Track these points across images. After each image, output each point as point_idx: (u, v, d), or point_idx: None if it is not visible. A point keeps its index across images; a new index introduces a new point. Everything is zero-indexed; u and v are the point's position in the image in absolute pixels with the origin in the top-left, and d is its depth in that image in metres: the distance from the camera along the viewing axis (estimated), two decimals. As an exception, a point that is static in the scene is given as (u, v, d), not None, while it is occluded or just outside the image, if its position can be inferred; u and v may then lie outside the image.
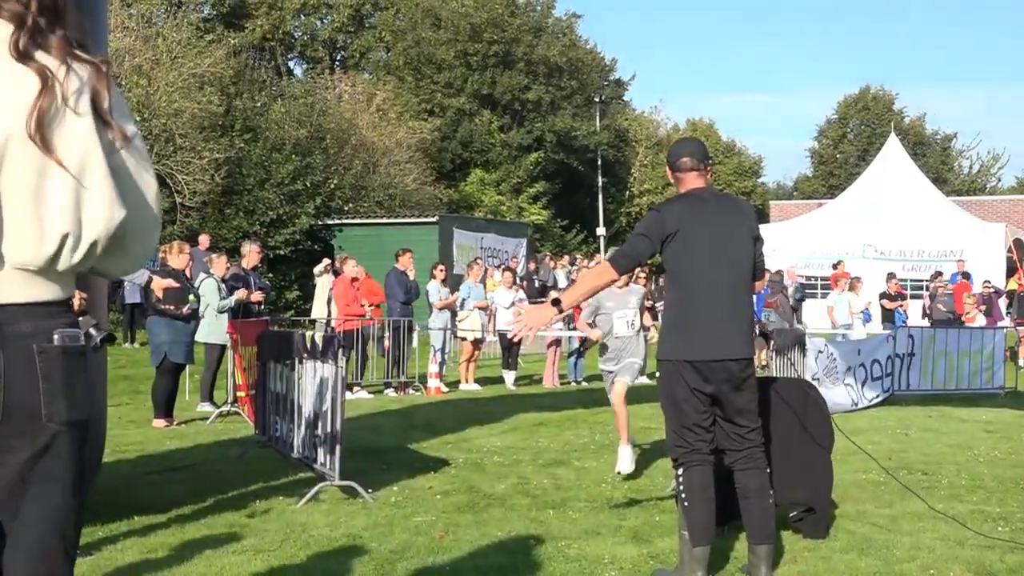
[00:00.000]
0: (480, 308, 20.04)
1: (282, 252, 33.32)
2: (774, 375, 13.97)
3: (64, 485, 2.78)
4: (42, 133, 2.61)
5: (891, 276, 28.56)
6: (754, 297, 6.72)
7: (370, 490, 8.91)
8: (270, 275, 32.36)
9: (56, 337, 2.75)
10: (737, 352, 6.25)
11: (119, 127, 2.78)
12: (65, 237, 2.68)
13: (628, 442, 10.17)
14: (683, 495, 6.33)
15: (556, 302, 6.67)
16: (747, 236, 6.43)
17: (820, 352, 15.03)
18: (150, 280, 14.16)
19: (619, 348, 10.55)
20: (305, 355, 9.52)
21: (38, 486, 2.74)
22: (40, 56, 2.66)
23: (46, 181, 2.65)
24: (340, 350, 8.87)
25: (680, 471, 6.36)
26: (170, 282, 13.98)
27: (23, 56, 2.63)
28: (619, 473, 9.98)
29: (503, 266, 25.35)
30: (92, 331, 5.73)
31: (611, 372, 10.62)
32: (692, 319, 6.27)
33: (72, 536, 2.83)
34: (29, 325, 2.70)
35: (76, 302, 6.25)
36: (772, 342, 14.91)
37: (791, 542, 7.32)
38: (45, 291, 2.76)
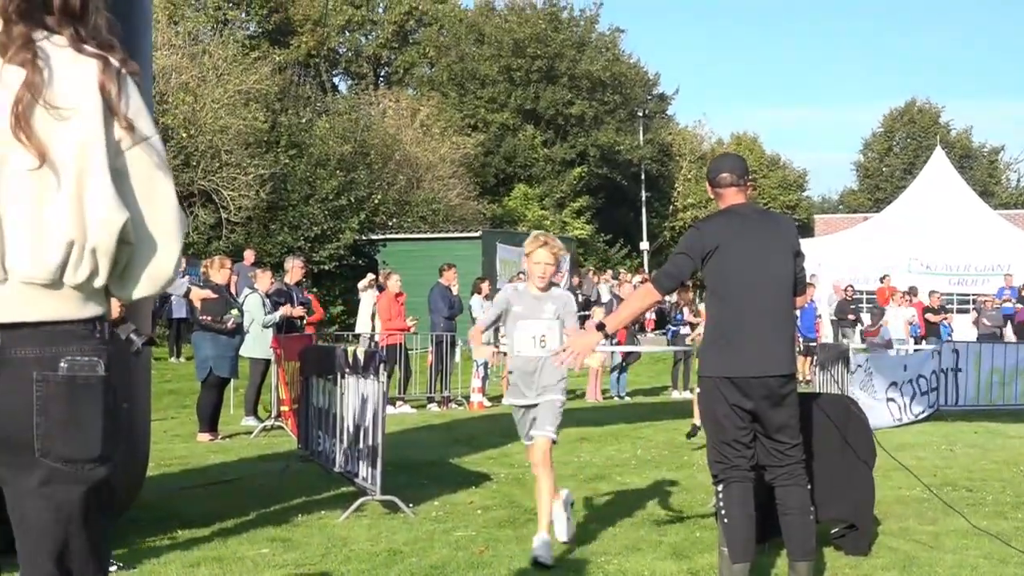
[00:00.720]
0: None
1: (326, 267, 33.50)
2: (817, 390, 13.89)
3: (57, 542, 2.53)
4: (27, 130, 2.43)
5: (933, 291, 28.35)
6: (797, 312, 6.67)
7: (411, 505, 8.94)
8: (314, 289, 32.56)
9: (63, 365, 2.49)
10: (777, 368, 6.22)
11: (130, 124, 2.57)
12: (71, 244, 2.48)
13: (561, 510, 7.61)
14: (723, 511, 6.31)
15: (600, 326, 6.66)
16: (787, 251, 6.40)
17: (860, 367, 14.94)
18: (189, 291, 14.29)
19: (525, 373, 7.45)
20: (347, 370, 9.57)
21: (29, 538, 2.53)
22: (28, 52, 2.47)
23: (44, 183, 2.47)
24: (381, 365, 8.92)
25: (720, 487, 6.34)
26: (208, 292, 14.10)
27: (7, 52, 2.46)
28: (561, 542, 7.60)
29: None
30: (132, 336, 5.70)
31: (521, 411, 7.64)
32: (732, 335, 6.25)
33: None
34: (33, 350, 2.46)
35: (115, 310, 6.30)
36: (816, 357, 14.81)
37: (832, 559, 7.28)
38: (57, 310, 2.50)
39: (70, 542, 2.53)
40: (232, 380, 15.00)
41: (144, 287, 2.69)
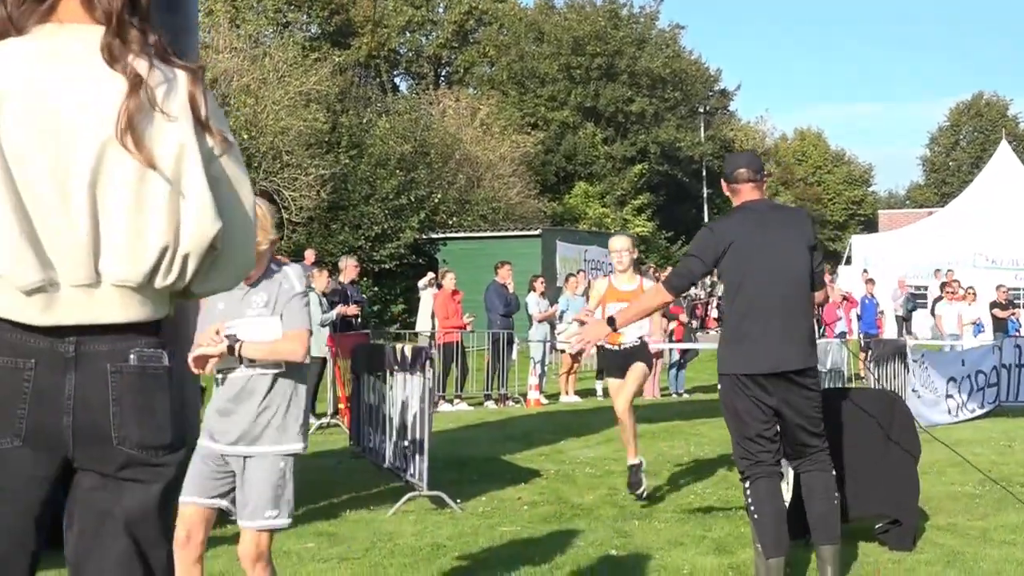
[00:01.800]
0: (579, 320, 20.06)
1: (387, 266, 33.71)
2: (872, 386, 13.78)
3: (140, 532, 2.64)
4: (134, 137, 2.49)
5: (1000, 285, 27.96)
6: (815, 307, 6.66)
7: (459, 500, 9.01)
8: (375, 288, 32.76)
9: (133, 357, 2.60)
10: (794, 363, 6.23)
11: (219, 132, 2.67)
12: (164, 250, 2.56)
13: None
14: (752, 508, 6.33)
15: (611, 320, 6.88)
16: (802, 246, 6.39)
17: (915, 362, 14.80)
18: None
19: (225, 400, 5.11)
20: (395, 367, 9.67)
21: (101, 526, 2.63)
22: (131, 60, 2.54)
23: (144, 189, 2.53)
24: (428, 362, 9.00)
25: (747, 484, 6.36)
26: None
27: (114, 59, 2.52)
28: None
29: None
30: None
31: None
32: (748, 332, 6.28)
33: None
34: (106, 345, 2.56)
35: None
36: (870, 351, 14.69)
37: (876, 554, 7.25)
38: (142, 311, 2.61)
39: (142, 527, 2.63)
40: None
41: (222, 283, 2.81)
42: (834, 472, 6.47)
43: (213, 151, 2.65)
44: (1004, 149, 40.93)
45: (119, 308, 2.56)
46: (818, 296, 6.67)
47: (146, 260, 2.53)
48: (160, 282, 2.58)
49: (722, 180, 6.68)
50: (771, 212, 6.57)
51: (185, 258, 2.58)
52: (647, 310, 7.07)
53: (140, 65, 2.53)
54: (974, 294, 25.86)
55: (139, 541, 2.62)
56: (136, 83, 2.50)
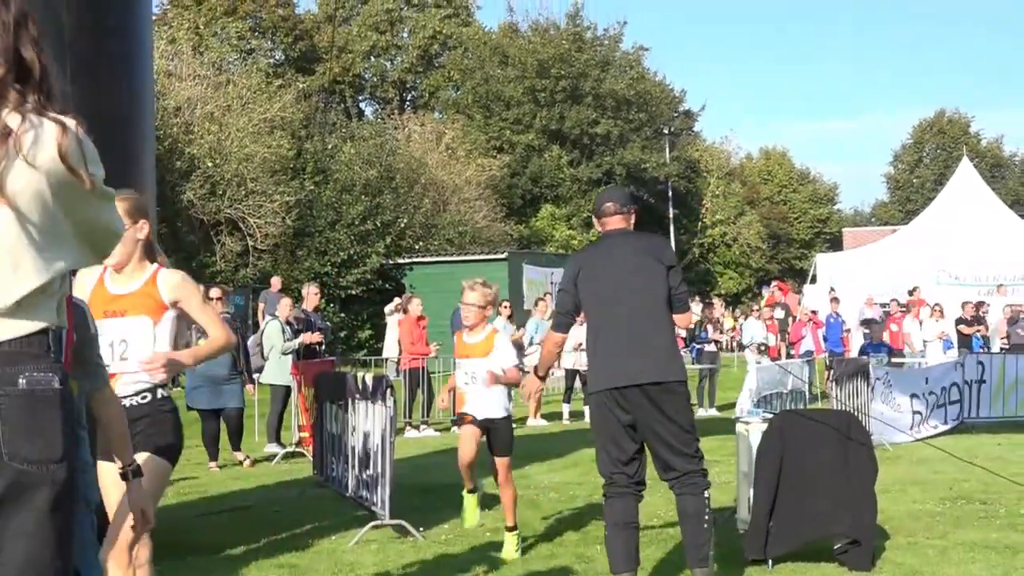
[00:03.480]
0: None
1: (354, 292, 33.66)
2: (835, 406, 13.85)
3: (36, 542, 2.72)
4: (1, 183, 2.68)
5: (966, 301, 28.14)
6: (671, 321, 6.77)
7: (421, 528, 9.00)
8: (342, 314, 32.69)
9: (22, 381, 2.73)
10: (642, 377, 6.38)
11: (90, 177, 2.82)
12: (33, 288, 2.75)
13: None
14: (606, 525, 6.58)
15: (536, 370, 7.37)
16: (653, 267, 6.59)
17: (878, 379, 14.89)
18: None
19: None
20: (357, 395, 9.66)
21: (6, 546, 2.70)
22: (3, 114, 2.72)
23: (9, 229, 2.72)
24: (388, 390, 8.99)
25: (605, 500, 6.60)
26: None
27: None
28: None
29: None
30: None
31: None
32: (600, 351, 6.56)
33: None
34: None
35: None
36: (832, 371, 14.78)
37: (836, 574, 7.28)
38: (9, 330, 2.76)
39: (35, 544, 2.72)
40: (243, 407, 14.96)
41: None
42: (707, 494, 6.55)
43: (82, 194, 2.81)
44: (965, 166, 41.21)
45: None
46: (681, 321, 6.79)
47: (16, 291, 2.72)
48: (25, 306, 2.75)
49: (593, 216, 7.00)
50: (624, 237, 6.79)
51: (47, 288, 2.78)
52: (549, 355, 7.32)
53: (12, 119, 2.71)
54: (940, 310, 26.02)
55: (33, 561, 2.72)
56: (4, 134, 2.69)
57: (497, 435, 8.33)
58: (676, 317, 6.68)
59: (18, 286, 2.74)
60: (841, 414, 8.70)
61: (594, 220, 7.01)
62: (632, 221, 6.86)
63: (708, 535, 6.48)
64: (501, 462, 8.38)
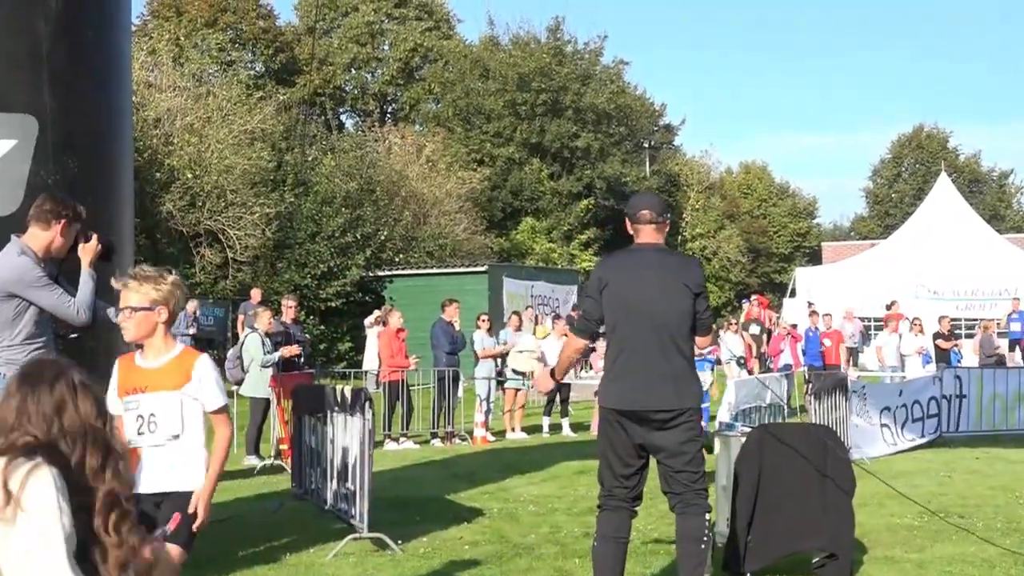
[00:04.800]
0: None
1: (333, 304, 33.58)
2: (813, 420, 13.89)
3: None
4: None
5: (943, 316, 28.29)
6: (694, 349, 6.75)
7: (399, 541, 8.97)
8: (322, 327, 32.62)
9: None
10: (656, 404, 6.36)
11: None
12: None
13: None
14: (595, 536, 6.56)
15: (553, 372, 7.16)
16: (680, 290, 6.50)
17: (854, 393, 14.95)
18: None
19: None
20: (335, 408, 9.64)
21: None
22: None
23: None
24: (367, 403, 8.98)
25: (598, 512, 6.59)
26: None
27: None
28: None
29: (555, 315, 25.39)
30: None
31: None
32: (619, 370, 6.51)
33: None
34: None
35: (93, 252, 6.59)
36: (811, 385, 14.82)
37: (814, 589, 7.30)
38: None
39: None
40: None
41: None
42: (707, 515, 6.52)
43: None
44: (944, 181, 41.53)
45: None
46: (702, 342, 6.77)
47: None
48: None
49: (626, 218, 6.82)
50: (656, 255, 6.67)
51: None
52: (568, 359, 7.16)
53: None
54: (920, 325, 26.14)
55: None
56: None
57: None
58: (698, 339, 6.67)
59: None
60: (819, 428, 8.74)
61: (627, 223, 6.83)
62: (665, 232, 6.80)
63: (704, 556, 6.46)
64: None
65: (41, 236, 6.39)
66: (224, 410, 5.54)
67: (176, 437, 5.34)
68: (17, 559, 2.86)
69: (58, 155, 7.18)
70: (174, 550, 5.25)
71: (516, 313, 22.42)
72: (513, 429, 19.47)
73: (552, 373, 7.16)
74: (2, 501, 2.89)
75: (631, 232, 6.81)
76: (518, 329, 21.22)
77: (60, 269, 6.59)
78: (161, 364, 5.40)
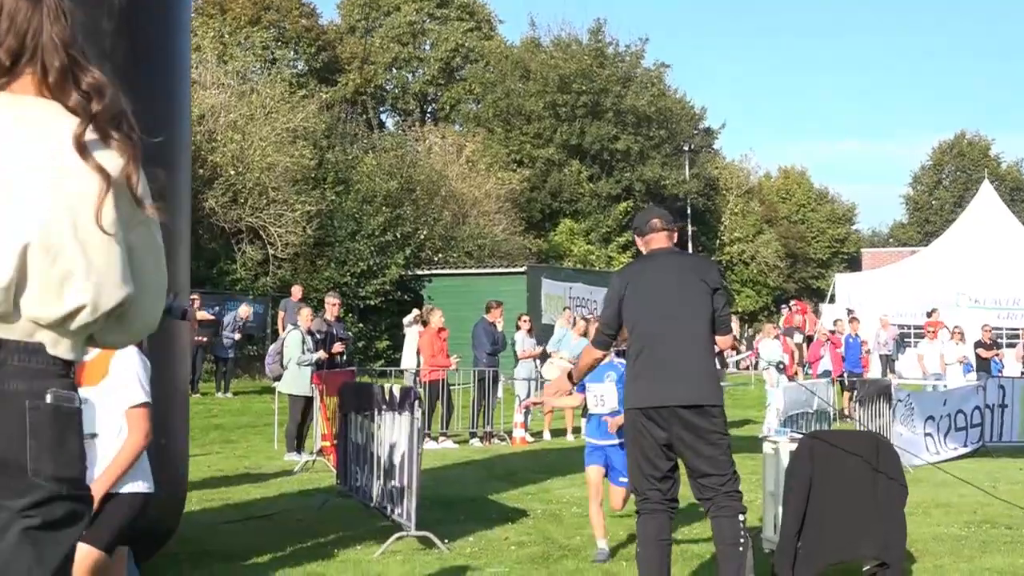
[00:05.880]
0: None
1: (372, 302, 33.69)
2: (858, 427, 13.84)
3: (35, 559, 2.71)
4: (100, 222, 2.69)
5: (985, 325, 28.07)
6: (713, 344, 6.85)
7: (446, 540, 9.01)
8: (360, 324, 32.73)
9: (49, 396, 2.77)
10: (685, 398, 6.42)
11: (148, 205, 2.85)
12: (82, 307, 2.74)
13: None
14: (638, 542, 6.64)
15: (571, 375, 7.40)
16: (699, 288, 6.62)
17: (900, 401, 14.87)
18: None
19: None
20: (383, 406, 9.69)
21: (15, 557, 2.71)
22: (99, 154, 2.73)
23: (68, 247, 2.72)
24: (416, 402, 9.01)
25: (638, 518, 6.65)
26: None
27: (83, 151, 2.70)
28: None
29: (596, 317, 25.37)
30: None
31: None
32: (641, 369, 6.57)
33: None
34: (23, 384, 2.73)
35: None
36: (855, 392, 14.76)
37: (864, 597, 7.28)
38: (54, 348, 2.80)
39: (40, 564, 2.72)
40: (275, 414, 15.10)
41: (125, 340, 3.07)
42: (742, 517, 6.55)
43: (138, 220, 2.83)
44: (986, 189, 41.23)
45: (27, 335, 2.74)
46: (723, 342, 6.87)
47: (63, 307, 2.71)
48: (72, 327, 2.75)
49: (635, 235, 7.06)
50: (670, 256, 6.87)
51: (101, 315, 2.76)
52: (586, 366, 7.27)
53: (108, 159, 2.72)
54: (961, 333, 25.96)
55: None
56: (108, 178, 2.70)
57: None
58: (719, 339, 6.74)
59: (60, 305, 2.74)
60: (871, 435, 8.70)
61: (636, 239, 7.06)
62: (675, 239, 6.94)
63: (743, 558, 6.49)
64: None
65: None
66: (143, 407, 5.27)
67: (93, 436, 5.13)
68: None
69: (118, 151, 7.23)
70: (94, 553, 5.06)
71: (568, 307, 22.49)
72: (551, 430, 19.48)
73: (569, 376, 7.36)
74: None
75: (642, 247, 7.00)
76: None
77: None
78: (89, 358, 5.15)
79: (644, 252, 6.96)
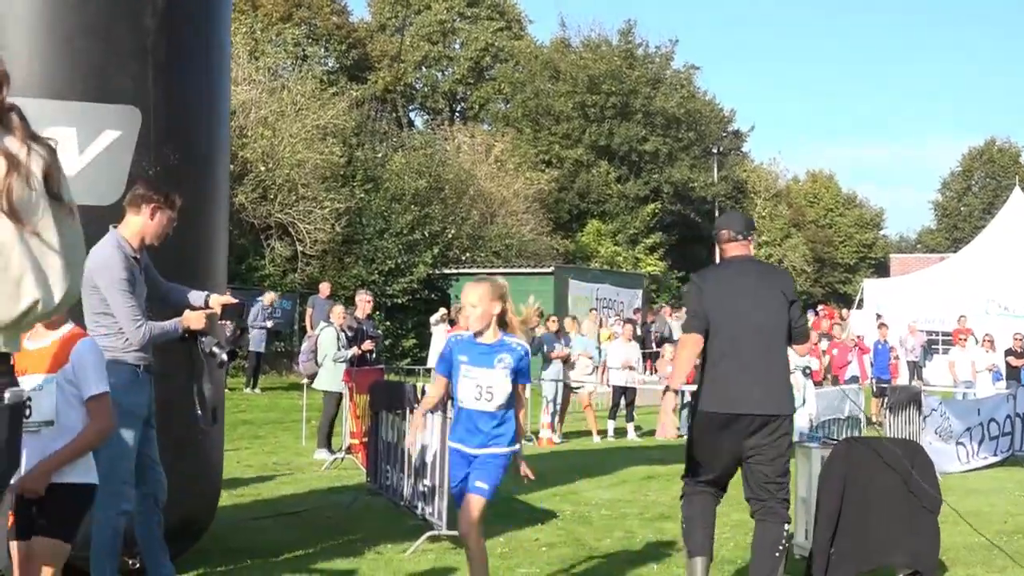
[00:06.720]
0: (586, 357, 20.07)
1: (399, 301, 33.75)
2: (888, 434, 13.79)
3: None
4: (12, 208, 2.80)
5: (1017, 333, 27.85)
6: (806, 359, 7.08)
7: (477, 540, 9.00)
8: (387, 322, 32.80)
9: (7, 395, 2.92)
10: (761, 407, 6.60)
11: (69, 202, 3.00)
12: (36, 303, 2.86)
13: None
14: (683, 516, 6.96)
15: (667, 388, 7.31)
16: (776, 300, 6.77)
17: (934, 410, 14.78)
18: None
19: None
20: (415, 405, 9.70)
21: None
22: (7, 140, 2.85)
23: (15, 251, 2.83)
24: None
25: (683, 499, 6.96)
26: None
27: None
28: None
29: (625, 319, 25.38)
30: (215, 349, 6.12)
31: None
32: (717, 375, 6.73)
33: None
34: None
35: (200, 323, 6.50)
36: (886, 398, 14.69)
37: (896, 605, 7.26)
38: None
39: None
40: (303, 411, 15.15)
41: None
42: (787, 526, 6.74)
43: (63, 217, 2.97)
44: (1017, 196, 40.92)
45: None
46: (801, 349, 7.13)
47: (18, 306, 2.85)
48: (22, 324, 2.93)
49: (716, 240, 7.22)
50: (748, 265, 6.98)
51: (52, 309, 2.94)
52: (692, 357, 7.03)
53: (13, 145, 2.86)
54: (991, 341, 25.79)
55: None
56: (15, 162, 2.84)
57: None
58: (798, 347, 6.99)
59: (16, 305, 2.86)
60: (906, 443, 8.67)
61: (716, 245, 7.28)
62: (752, 247, 7.07)
63: (777, 565, 6.64)
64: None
65: (133, 222, 6.44)
66: (101, 399, 5.32)
67: (49, 423, 5.19)
68: None
69: (159, 147, 7.29)
70: (51, 542, 5.13)
71: (573, 317, 22.52)
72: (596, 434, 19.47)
73: (670, 383, 7.24)
74: None
75: (720, 251, 7.16)
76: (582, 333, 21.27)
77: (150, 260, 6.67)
78: (40, 345, 5.29)
79: (721, 259, 7.17)
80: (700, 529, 6.77)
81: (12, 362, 3.02)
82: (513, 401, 6.61)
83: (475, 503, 6.59)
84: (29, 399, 4.98)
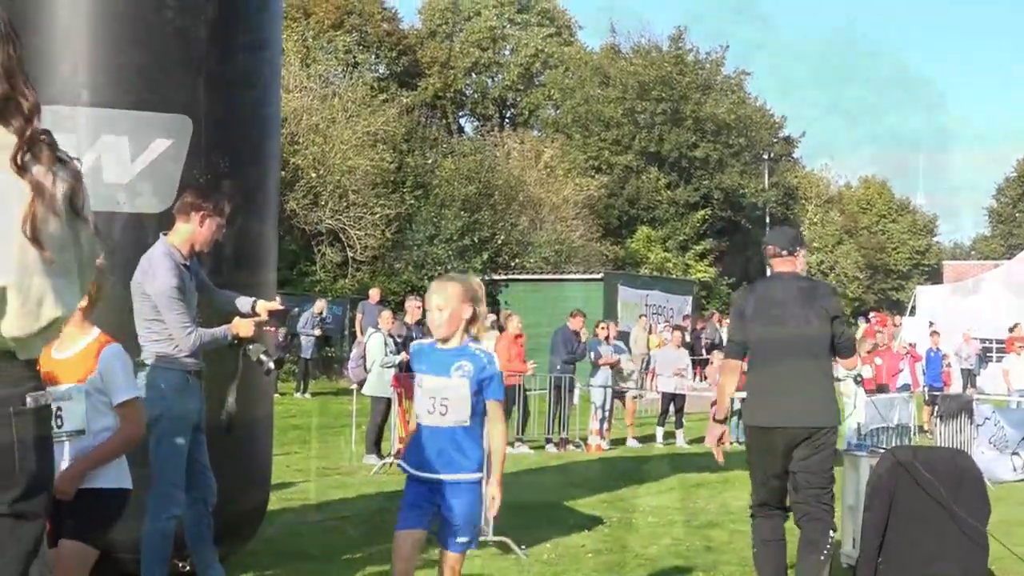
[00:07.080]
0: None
1: (449, 307, 33.78)
2: (938, 443, 13.68)
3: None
4: (36, 234, 2.87)
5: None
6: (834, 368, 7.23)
7: (523, 546, 9.05)
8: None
9: (29, 399, 2.99)
10: (797, 421, 6.79)
11: (93, 222, 3.12)
12: (56, 319, 2.99)
13: None
14: (753, 542, 7.12)
15: (714, 417, 7.59)
16: (818, 315, 6.90)
17: (987, 419, 14.64)
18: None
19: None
20: (463, 411, 9.73)
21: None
22: (35, 169, 2.93)
23: (36, 275, 2.93)
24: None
25: (752, 521, 7.13)
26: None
27: (21, 170, 2.90)
28: None
29: (674, 326, 25.36)
30: (263, 357, 6.21)
31: None
32: (758, 389, 6.99)
33: None
34: (4, 391, 2.95)
35: (249, 330, 6.58)
36: (937, 407, 14.58)
37: (945, 615, 7.21)
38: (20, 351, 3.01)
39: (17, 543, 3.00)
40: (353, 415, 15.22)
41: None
42: (832, 533, 6.95)
43: (80, 237, 3.07)
44: (1073, 202, 40.44)
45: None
46: (848, 363, 7.30)
47: (38, 324, 2.94)
48: (40, 341, 3.02)
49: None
50: (791, 281, 7.08)
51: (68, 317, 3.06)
52: (732, 385, 7.43)
53: (41, 173, 2.92)
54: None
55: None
56: (43, 192, 2.91)
57: None
58: (844, 361, 7.17)
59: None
60: (955, 452, 8.61)
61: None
62: (798, 263, 7.17)
63: (820, 570, 6.79)
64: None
65: (183, 229, 6.53)
66: (131, 405, 5.37)
67: (80, 433, 5.25)
68: None
69: (209, 155, 7.39)
70: (78, 547, 5.18)
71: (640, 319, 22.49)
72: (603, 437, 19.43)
73: (714, 415, 7.57)
74: None
75: (768, 265, 7.43)
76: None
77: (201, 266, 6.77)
78: (69, 355, 5.33)
79: (769, 273, 7.40)
80: (772, 561, 6.97)
81: (38, 367, 3.12)
82: (479, 419, 5.68)
83: (453, 563, 5.83)
84: (60, 408, 5.16)
